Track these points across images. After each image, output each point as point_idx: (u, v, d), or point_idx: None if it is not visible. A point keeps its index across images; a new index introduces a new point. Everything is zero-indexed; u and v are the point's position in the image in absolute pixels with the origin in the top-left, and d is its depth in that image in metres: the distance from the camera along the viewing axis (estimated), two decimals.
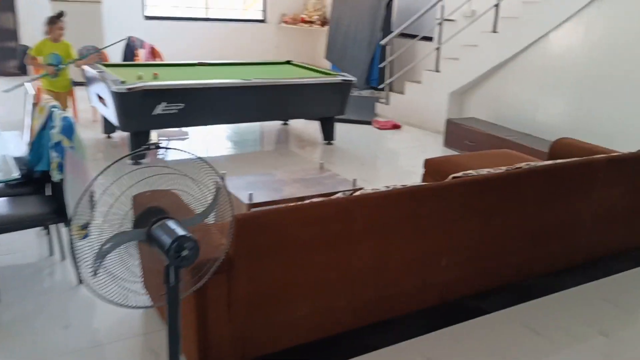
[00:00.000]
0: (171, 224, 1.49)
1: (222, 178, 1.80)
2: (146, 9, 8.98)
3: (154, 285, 1.66)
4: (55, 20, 4.84)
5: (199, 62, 5.92)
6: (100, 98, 5.02)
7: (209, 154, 5.41)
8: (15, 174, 2.39)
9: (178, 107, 4.69)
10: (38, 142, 3.05)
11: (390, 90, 7.15)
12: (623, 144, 4.20)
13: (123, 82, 4.51)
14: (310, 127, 6.26)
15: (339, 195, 2.35)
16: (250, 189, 3.51)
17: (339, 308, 2.37)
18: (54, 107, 2.94)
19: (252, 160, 5.15)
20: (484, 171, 2.74)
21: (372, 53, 8.02)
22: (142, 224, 1.56)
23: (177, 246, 1.41)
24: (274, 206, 2.16)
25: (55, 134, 2.68)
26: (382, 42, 7.10)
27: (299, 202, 2.20)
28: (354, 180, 3.67)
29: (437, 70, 6.43)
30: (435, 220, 2.50)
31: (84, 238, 2.85)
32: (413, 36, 7.78)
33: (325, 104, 5.50)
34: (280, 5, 10.03)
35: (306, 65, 6.20)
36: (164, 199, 1.71)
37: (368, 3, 8.08)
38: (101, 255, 1.47)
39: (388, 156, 5.64)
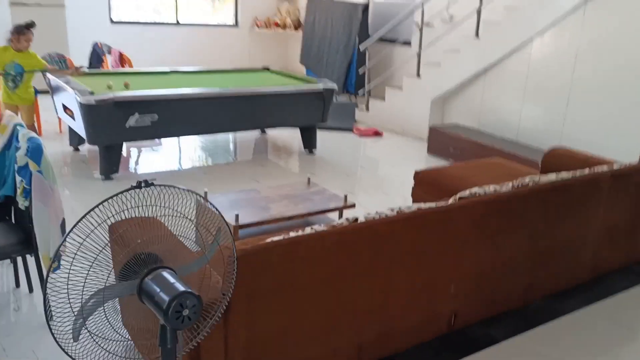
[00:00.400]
0: (168, 276, 1.26)
1: (205, 198, 1.58)
2: (113, 14, 8.61)
3: (144, 344, 1.42)
4: (23, 31, 4.36)
5: (171, 70, 5.64)
6: (66, 108, 4.70)
7: (183, 165, 5.14)
8: None
9: (151, 119, 4.41)
10: (1, 164, 2.75)
11: (370, 96, 6.99)
12: (609, 151, 4.14)
13: (92, 93, 4.21)
14: (289, 135, 6.05)
15: (342, 222, 2.14)
16: (235, 208, 3.28)
17: (343, 347, 2.16)
18: (17, 125, 2.65)
19: (230, 172, 4.90)
20: (489, 188, 2.58)
21: (349, 58, 7.85)
22: (130, 272, 1.32)
23: (177, 305, 1.18)
24: (274, 238, 1.94)
25: (20, 157, 2.40)
26: (362, 46, 6.94)
27: (302, 233, 1.99)
28: (345, 197, 3.48)
29: (418, 76, 6.30)
30: (443, 244, 2.33)
31: (54, 271, 2.58)
32: (390, 41, 7.66)
33: (307, 113, 5.29)
34: (253, 10, 9.79)
35: (285, 72, 5.99)
36: (148, 231, 1.46)
37: (344, 7, 7.91)
38: (83, 316, 1.23)
39: (372, 165, 5.47)
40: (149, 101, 4.36)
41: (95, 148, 4.58)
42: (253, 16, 9.79)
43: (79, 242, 1.25)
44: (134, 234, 1.34)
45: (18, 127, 2.59)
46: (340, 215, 3.50)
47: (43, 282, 2.56)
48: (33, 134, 2.42)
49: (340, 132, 6.46)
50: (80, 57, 6.66)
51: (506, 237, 2.55)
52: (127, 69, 5.75)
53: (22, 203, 2.45)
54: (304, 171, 5.06)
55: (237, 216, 3.06)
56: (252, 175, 4.82)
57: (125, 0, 8.95)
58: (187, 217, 1.42)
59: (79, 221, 1.25)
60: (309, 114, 5.31)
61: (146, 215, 1.35)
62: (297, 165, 5.27)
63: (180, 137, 5.05)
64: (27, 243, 2.49)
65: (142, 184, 1.31)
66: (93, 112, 4.14)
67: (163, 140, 5.69)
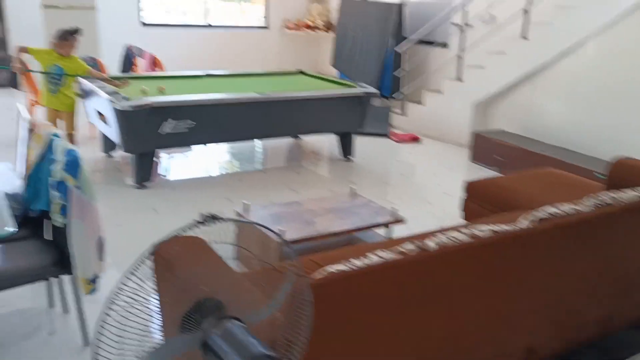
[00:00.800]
0: (239, 331, 1.05)
1: (284, 241, 1.36)
2: (143, 16, 8.52)
3: None
4: (67, 37, 4.26)
5: (205, 74, 5.48)
6: (99, 114, 4.56)
7: (215, 171, 4.96)
8: (10, 227, 1.94)
9: (187, 125, 4.24)
10: (35, 177, 2.60)
11: (406, 100, 6.74)
12: None
13: (127, 99, 4.06)
14: (324, 140, 5.83)
15: (411, 248, 1.91)
16: (278, 221, 3.08)
17: None
18: (54, 135, 2.49)
19: (265, 179, 4.71)
20: (567, 207, 2.32)
21: (382, 60, 7.61)
22: (189, 323, 1.11)
23: None
24: (333, 268, 1.72)
25: (57, 171, 2.23)
26: (398, 48, 6.69)
27: (369, 263, 1.77)
28: (393, 210, 3.24)
29: (459, 79, 6.02)
30: (518, 271, 2.08)
31: (92, 292, 2.40)
32: (428, 42, 7.40)
33: (345, 118, 5.07)
34: (283, 11, 9.62)
35: (320, 75, 5.78)
36: (212, 273, 1.26)
37: (377, 8, 7.68)
38: None
39: (413, 173, 5.21)
40: (185, 107, 4.20)
41: (128, 154, 4.43)
42: (283, 18, 9.62)
43: (131, 290, 1.05)
44: (195, 276, 1.14)
45: (54, 138, 2.43)
46: (388, 229, 3.27)
47: (80, 306, 2.39)
48: (70, 146, 2.25)
49: (376, 137, 6.22)
50: (111, 60, 6.56)
51: (587, 263, 2.29)
52: (160, 72, 5.61)
53: (59, 220, 2.28)
54: (342, 179, 4.84)
55: (281, 231, 2.86)
56: (289, 183, 4.62)
57: (155, 2, 8.86)
58: (260, 260, 1.20)
59: (133, 266, 1.05)
60: (348, 119, 5.09)
61: (208, 254, 1.15)
62: (334, 173, 5.05)
63: (215, 143, 4.87)
64: (63, 263, 2.32)
65: (207, 219, 1.10)
66: (128, 119, 3.99)
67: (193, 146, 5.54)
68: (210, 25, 9.22)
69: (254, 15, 9.78)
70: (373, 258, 1.86)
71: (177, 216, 3.84)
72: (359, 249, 2.21)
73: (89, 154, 5.24)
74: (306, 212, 3.26)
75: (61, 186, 2.24)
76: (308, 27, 9.56)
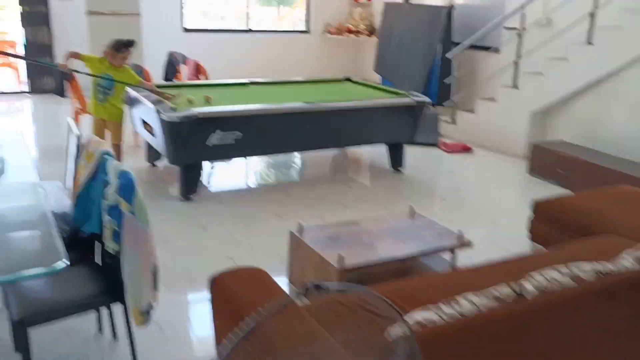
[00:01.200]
0: None
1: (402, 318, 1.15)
2: (185, 21, 8.47)
3: None
4: (121, 49, 4.13)
5: (250, 81, 5.32)
6: (145, 123, 4.45)
7: (259, 183, 4.79)
8: (62, 261, 1.79)
9: (235, 136, 4.08)
10: (85, 196, 2.46)
11: (456, 108, 6.46)
12: None
13: (174, 109, 3.92)
14: (371, 151, 5.59)
15: (506, 291, 1.67)
16: (335, 244, 2.87)
17: None
18: (106, 154, 2.34)
19: (315, 193, 4.51)
20: None
21: (429, 66, 7.32)
22: None
23: None
24: (423, 317, 1.50)
25: (110, 194, 2.08)
26: (450, 54, 6.40)
27: (462, 312, 1.54)
28: (460, 234, 2.99)
29: (516, 87, 5.71)
30: (630, 321, 1.81)
31: (144, 324, 2.24)
32: (482, 48, 7.10)
33: (397, 129, 4.83)
34: (324, 15, 9.43)
35: (368, 83, 5.56)
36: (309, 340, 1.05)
37: (425, 12, 7.41)
38: None
39: (469, 188, 4.91)
40: (233, 117, 4.04)
41: (173, 165, 4.30)
42: (325, 22, 9.44)
43: None
44: None
45: (107, 158, 2.28)
46: (453, 254, 3.02)
47: (131, 336, 2.23)
48: (124, 168, 2.09)
49: (424, 146, 5.95)
50: (154, 67, 6.49)
51: None
52: (204, 80, 5.48)
53: (111, 247, 2.13)
54: (395, 194, 4.60)
55: (340, 257, 2.65)
56: (339, 198, 4.41)
57: (195, 7, 8.81)
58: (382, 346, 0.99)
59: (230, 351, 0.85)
60: (399, 130, 4.85)
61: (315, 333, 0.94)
62: (385, 186, 4.81)
63: (262, 155, 4.69)
64: (114, 291, 2.16)
65: (311, 290, 0.89)
66: (176, 130, 3.85)
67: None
68: (250, 30, 9.11)
69: (294, 20, 9.63)
70: (465, 305, 1.63)
71: (227, 234, 3.67)
72: (441, 284, 1.98)
73: (133, 163, 5.15)
74: (365, 234, 3.04)
75: (114, 211, 2.09)
76: (350, 31, 9.35)
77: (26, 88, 7.85)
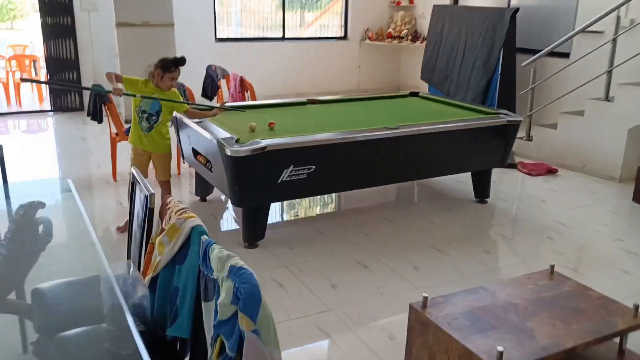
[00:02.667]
0: None
1: None
2: (217, 31, 7.86)
3: None
4: (170, 68, 3.46)
5: (308, 100, 4.68)
6: (197, 154, 3.83)
7: (327, 222, 4.11)
8: None
9: (308, 170, 3.43)
10: (166, 283, 1.82)
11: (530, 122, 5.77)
12: None
13: (238, 141, 3.29)
14: (443, 177, 4.92)
15: None
16: (478, 327, 2.19)
17: None
18: (199, 230, 1.70)
19: (396, 233, 3.85)
20: None
21: (489, 75, 6.64)
22: None
23: None
24: None
25: (225, 306, 1.43)
26: (525, 64, 5.72)
27: None
28: (636, 308, 2.32)
29: (608, 99, 5.02)
30: None
31: None
32: (533, 51, 6.44)
33: (485, 154, 4.17)
34: (363, 20, 8.78)
35: (439, 98, 4.89)
36: None
37: (485, 14, 6.72)
38: None
39: (572, 220, 4.10)
40: (308, 149, 3.39)
41: (223, 198, 3.65)
42: (364, 27, 8.78)
43: None
44: None
45: (205, 240, 1.64)
46: (622, 340, 2.35)
47: None
48: (243, 265, 1.44)
49: (499, 168, 5.27)
50: (189, 80, 5.87)
51: None
52: (259, 101, 4.83)
53: None
54: (489, 231, 3.94)
55: (499, 353, 1.99)
56: (425, 237, 3.75)
57: (227, 16, 8.20)
58: None
59: None
60: (488, 155, 4.18)
61: None
62: (473, 221, 4.14)
63: (336, 192, 4.02)
64: None
65: None
66: (243, 166, 3.21)
67: None
68: (284, 38, 8.48)
69: (324, 25, 8.97)
70: None
71: (310, 295, 3.01)
72: None
73: (176, 196, 4.53)
74: (508, 308, 2.37)
75: (228, 327, 1.44)
76: (391, 37, 8.69)
77: (48, 106, 7.28)
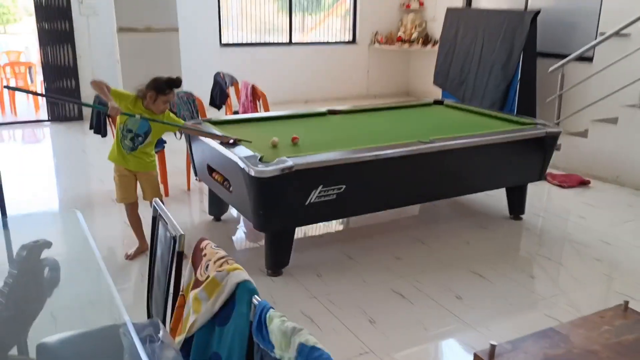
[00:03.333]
0: None
1: None
2: (221, 35, 7.54)
3: None
4: (165, 90, 3.10)
5: (328, 110, 4.36)
6: (213, 171, 3.50)
7: (353, 244, 3.79)
8: None
9: (338, 191, 3.11)
10: (202, 347, 1.50)
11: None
12: None
13: (261, 159, 2.97)
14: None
15: None
16: None
17: None
18: (248, 288, 1.38)
19: (429, 255, 3.54)
20: None
21: (508, 79, 6.36)
22: None
23: None
24: None
25: None
26: (552, 69, 5.42)
27: None
28: None
29: None
30: None
31: None
32: (553, 55, 6.17)
33: (522, 168, 3.87)
34: (373, 24, 8.48)
35: (466, 107, 4.58)
36: None
37: (504, 17, 6.44)
38: None
39: (616, 238, 3.76)
40: (338, 166, 3.07)
41: (240, 218, 3.32)
42: (373, 31, 8.48)
43: None
44: None
45: (257, 302, 1.32)
46: None
47: None
48: (316, 344, 1.13)
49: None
50: (194, 87, 5.54)
51: None
52: (273, 112, 4.49)
53: None
54: (530, 251, 3.63)
55: None
56: (462, 261, 3.43)
57: (232, 20, 7.87)
58: None
59: None
60: (525, 169, 3.88)
61: None
62: (511, 241, 3.83)
63: (365, 214, 3.68)
64: None
65: None
66: (268, 188, 2.89)
67: None
68: (291, 42, 8.17)
69: (328, 29, 8.66)
70: None
71: (347, 334, 2.69)
72: None
73: (186, 214, 4.21)
74: (587, 357, 2.06)
75: None
76: (401, 40, 8.39)
77: (45, 115, 6.93)
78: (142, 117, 3.11)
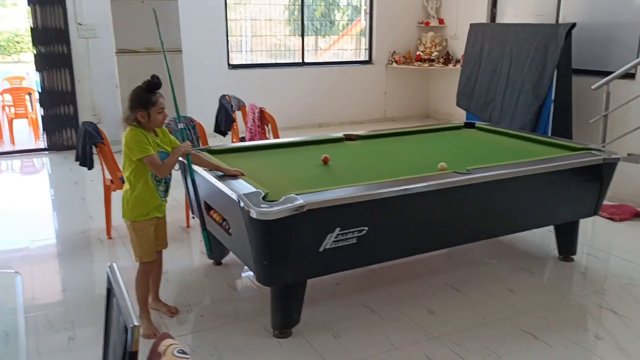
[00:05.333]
0: None
1: None
2: (231, 57, 7.12)
3: None
4: (151, 99, 2.53)
5: (345, 135, 3.83)
6: (211, 209, 2.98)
7: (359, 275, 3.20)
8: None
9: (359, 234, 2.56)
10: None
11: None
12: None
13: (265, 197, 2.44)
14: None
15: None
16: None
17: None
18: None
19: (464, 304, 2.97)
20: None
21: (541, 99, 5.79)
22: None
23: None
24: None
25: None
26: (596, 86, 4.86)
27: None
28: None
29: None
30: None
31: None
32: (589, 72, 5.64)
33: (574, 201, 3.28)
34: (390, 43, 8.01)
35: (504, 131, 4.02)
36: None
37: (536, 32, 5.91)
38: None
39: None
40: (358, 204, 2.53)
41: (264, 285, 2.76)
42: (390, 50, 8.01)
43: None
44: None
45: None
46: None
47: None
48: None
49: None
50: (200, 112, 5.08)
51: None
52: (285, 138, 3.93)
53: None
54: (593, 302, 3.02)
55: None
56: (507, 315, 2.84)
57: (236, 42, 7.47)
58: None
59: None
60: (579, 202, 3.29)
61: None
62: (568, 289, 3.23)
63: (393, 260, 3.08)
64: None
65: None
66: (275, 232, 2.35)
67: None
68: (303, 63, 7.72)
69: (344, 50, 8.21)
70: None
71: None
72: None
73: (186, 258, 3.67)
74: None
75: None
76: (421, 59, 7.90)
77: (43, 144, 6.51)
78: (160, 151, 2.60)
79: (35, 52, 6.14)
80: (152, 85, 2.56)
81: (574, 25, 5.49)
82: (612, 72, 5.00)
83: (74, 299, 3.08)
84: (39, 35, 6.08)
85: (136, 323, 1.14)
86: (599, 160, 3.19)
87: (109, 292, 1.39)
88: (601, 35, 5.96)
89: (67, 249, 3.76)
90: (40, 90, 6.27)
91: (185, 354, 1.07)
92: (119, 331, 1.27)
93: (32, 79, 8.40)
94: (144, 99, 2.54)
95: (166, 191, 2.71)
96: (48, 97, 6.26)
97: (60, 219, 4.45)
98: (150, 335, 2.59)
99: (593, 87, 4.88)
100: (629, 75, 5.39)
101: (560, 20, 6.45)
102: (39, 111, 6.49)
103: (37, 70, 6.20)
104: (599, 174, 3.24)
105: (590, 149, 3.34)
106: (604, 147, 4.86)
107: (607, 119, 4.87)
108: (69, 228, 4.18)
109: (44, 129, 6.40)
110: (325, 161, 3.11)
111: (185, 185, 3.34)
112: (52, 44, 6.11)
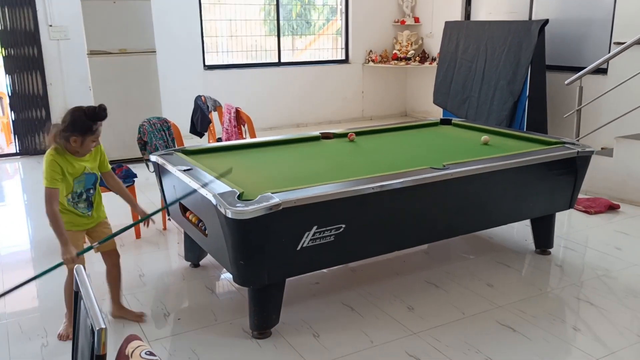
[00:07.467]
0: None
1: None
2: (207, 57, 7.05)
3: None
4: (92, 127, 2.41)
5: (321, 134, 3.81)
6: (186, 210, 2.94)
7: (338, 273, 3.20)
8: None
9: (336, 231, 2.54)
10: None
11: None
12: None
13: (240, 196, 2.40)
14: None
15: None
16: None
17: None
18: None
19: (442, 301, 2.96)
20: None
21: (516, 95, 5.86)
22: None
23: None
24: None
25: None
26: (569, 82, 4.92)
27: None
28: None
29: None
30: None
31: None
32: (562, 68, 5.72)
33: (550, 195, 3.31)
34: (366, 42, 8.03)
35: (480, 127, 4.05)
36: None
37: (509, 28, 5.97)
38: None
39: None
40: (336, 202, 2.51)
41: (241, 286, 2.72)
42: (366, 49, 8.02)
43: None
44: None
45: None
46: None
47: None
48: None
49: None
50: (175, 114, 5.02)
51: None
52: (261, 138, 3.91)
53: None
54: (570, 295, 3.04)
55: None
56: (490, 312, 2.85)
57: (221, 45, 7.40)
58: None
59: None
60: (555, 196, 3.33)
61: None
62: (545, 282, 3.25)
63: (369, 257, 3.08)
64: None
65: None
66: (251, 232, 2.32)
67: None
68: (280, 63, 7.69)
69: (320, 49, 8.20)
70: None
71: None
72: None
73: (162, 260, 3.61)
74: None
75: None
76: (397, 58, 7.93)
77: (15, 149, 6.36)
78: (87, 173, 2.54)
79: (3, 55, 5.99)
80: (95, 116, 2.42)
81: (546, 21, 5.56)
82: (584, 68, 5.08)
83: (46, 306, 3.00)
84: (7, 37, 5.94)
85: (103, 326, 1.10)
86: (573, 153, 3.23)
87: (76, 295, 1.35)
88: (573, 31, 6.06)
89: (39, 255, 3.68)
90: (10, 94, 6.12)
91: (154, 355, 1.03)
92: (86, 334, 1.22)
93: (1, 82, 8.22)
94: (85, 126, 2.41)
95: (90, 206, 2.61)
96: (19, 101, 6.12)
97: (32, 224, 4.35)
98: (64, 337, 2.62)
99: (566, 82, 4.95)
100: (600, 71, 5.49)
101: (533, 17, 6.54)
102: (10, 115, 6.34)
103: (6, 73, 6.06)
104: (574, 167, 3.28)
105: (565, 142, 3.38)
106: (578, 141, 4.94)
107: (581, 113, 4.93)
108: (42, 233, 4.08)
109: (15, 133, 6.25)
110: (350, 138, 3.63)
111: (160, 188, 3.29)
112: (21, 46, 5.98)
